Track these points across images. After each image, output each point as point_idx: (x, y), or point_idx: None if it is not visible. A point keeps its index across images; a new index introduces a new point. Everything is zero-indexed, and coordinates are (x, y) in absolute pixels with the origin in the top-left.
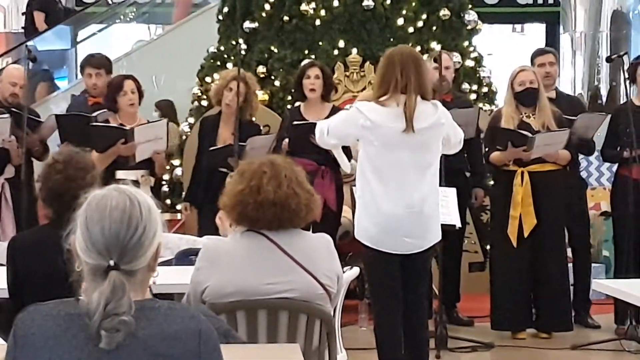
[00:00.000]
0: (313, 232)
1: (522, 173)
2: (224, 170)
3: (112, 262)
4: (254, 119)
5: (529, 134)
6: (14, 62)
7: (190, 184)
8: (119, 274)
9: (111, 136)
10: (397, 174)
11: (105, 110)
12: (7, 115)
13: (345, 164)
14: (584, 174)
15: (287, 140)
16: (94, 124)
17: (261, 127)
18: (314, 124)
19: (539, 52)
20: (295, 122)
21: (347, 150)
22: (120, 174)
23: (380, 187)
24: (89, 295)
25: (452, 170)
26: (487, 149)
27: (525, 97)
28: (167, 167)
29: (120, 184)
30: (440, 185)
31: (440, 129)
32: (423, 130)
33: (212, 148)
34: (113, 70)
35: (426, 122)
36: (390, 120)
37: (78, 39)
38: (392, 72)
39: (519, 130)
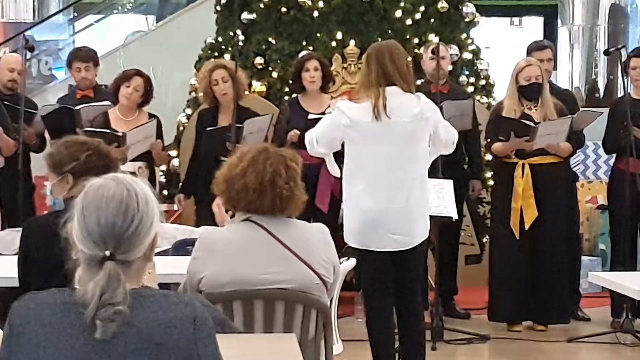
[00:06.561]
0: (317, 222)
1: (523, 165)
2: (224, 159)
3: (107, 253)
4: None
5: (532, 124)
6: (13, 52)
7: (186, 175)
8: (114, 264)
9: (105, 141)
10: (379, 170)
11: (104, 103)
12: None
13: (334, 170)
14: (580, 167)
15: (296, 131)
16: (88, 129)
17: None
18: None
19: (537, 47)
20: (311, 116)
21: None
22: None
23: (363, 184)
24: (84, 285)
25: (449, 162)
26: (488, 140)
27: (530, 92)
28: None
29: (118, 174)
30: (437, 177)
31: (425, 122)
32: (404, 123)
33: (209, 128)
34: (110, 61)
35: (407, 114)
36: (364, 115)
37: (76, 30)
38: (367, 66)
39: (522, 120)
